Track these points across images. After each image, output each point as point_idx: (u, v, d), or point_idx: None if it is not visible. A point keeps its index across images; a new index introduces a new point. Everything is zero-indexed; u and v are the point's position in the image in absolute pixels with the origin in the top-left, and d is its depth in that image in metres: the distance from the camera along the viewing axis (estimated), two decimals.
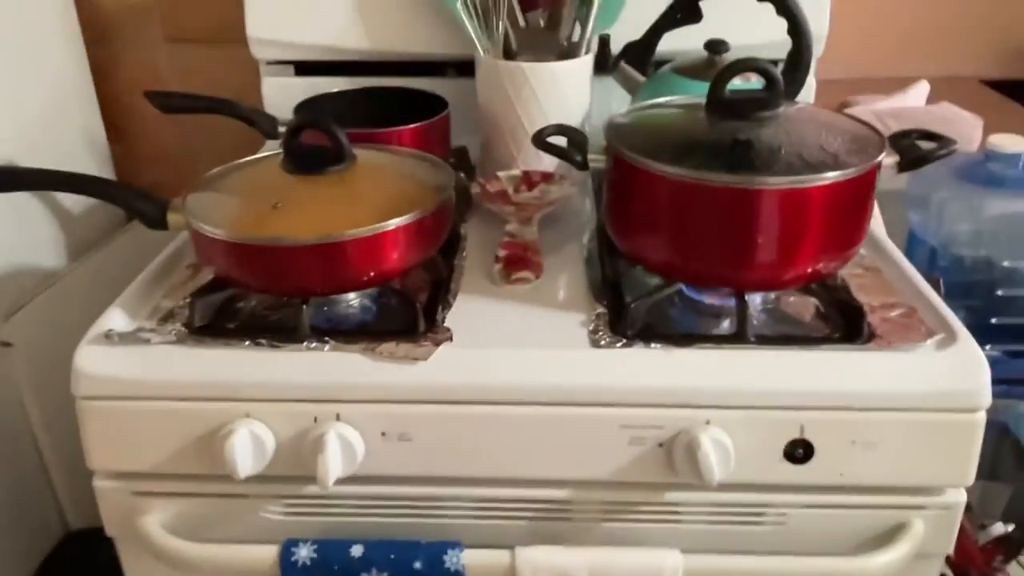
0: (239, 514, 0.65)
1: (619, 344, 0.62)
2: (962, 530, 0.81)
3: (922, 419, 0.59)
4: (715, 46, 0.83)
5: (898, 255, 0.74)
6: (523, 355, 0.61)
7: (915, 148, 0.64)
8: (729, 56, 0.82)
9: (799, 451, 0.60)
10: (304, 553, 0.61)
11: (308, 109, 0.87)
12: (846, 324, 0.65)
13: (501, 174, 0.86)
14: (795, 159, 0.60)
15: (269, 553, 0.62)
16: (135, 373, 0.61)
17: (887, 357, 0.60)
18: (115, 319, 0.65)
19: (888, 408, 0.59)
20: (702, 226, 0.62)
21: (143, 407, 0.61)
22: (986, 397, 0.59)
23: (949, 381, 0.59)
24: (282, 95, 0.97)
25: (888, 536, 0.62)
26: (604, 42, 0.93)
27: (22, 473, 0.97)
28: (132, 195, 0.67)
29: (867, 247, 0.76)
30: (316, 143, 0.68)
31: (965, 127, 1.08)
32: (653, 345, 0.62)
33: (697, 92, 0.69)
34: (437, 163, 0.73)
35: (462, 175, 0.88)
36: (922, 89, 1.19)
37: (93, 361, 0.62)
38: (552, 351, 0.62)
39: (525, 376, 0.60)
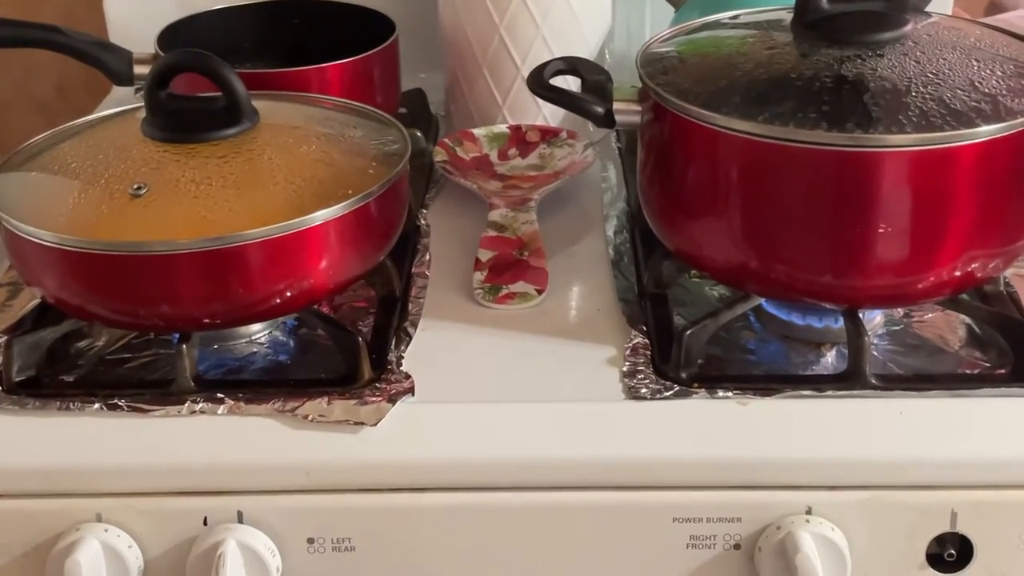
0: None
1: (668, 393, 0.63)
2: None
3: None
4: None
5: None
6: (521, 413, 0.63)
7: None
8: None
9: (950, 552, 0.61)
10: None
11: (180, 39, 0.88)
12: (1015, 353, 0.66)
13: (478, 131, 0.88)
14: (932, 106, 0.60)
15: None
16: None
17: None
18: None
19: None
20: (792, 209, 0.63)
21: None
22: None
23: None
24: (138, 17, 0.99)
25: None
26: None
27: None
28: None
29: None
30: (196, 94, 0.70)
31: None
32: (721, 394, 0.63)
33: (775, 2, 0.71)
34: (382, 119, 0.74)
35: (418, 134, 0.89)
36: None
37: None
38: (565, 406, 0.63)
39: (524, 446, 0.61)
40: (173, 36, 0.88)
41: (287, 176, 0.67)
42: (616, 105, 0.68)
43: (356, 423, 0.61)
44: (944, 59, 0.64)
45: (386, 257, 0.71)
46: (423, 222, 0.82)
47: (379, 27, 0.89)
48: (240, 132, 0.68)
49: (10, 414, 0.63)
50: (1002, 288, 0.71)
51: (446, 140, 0.88)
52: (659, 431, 0.62)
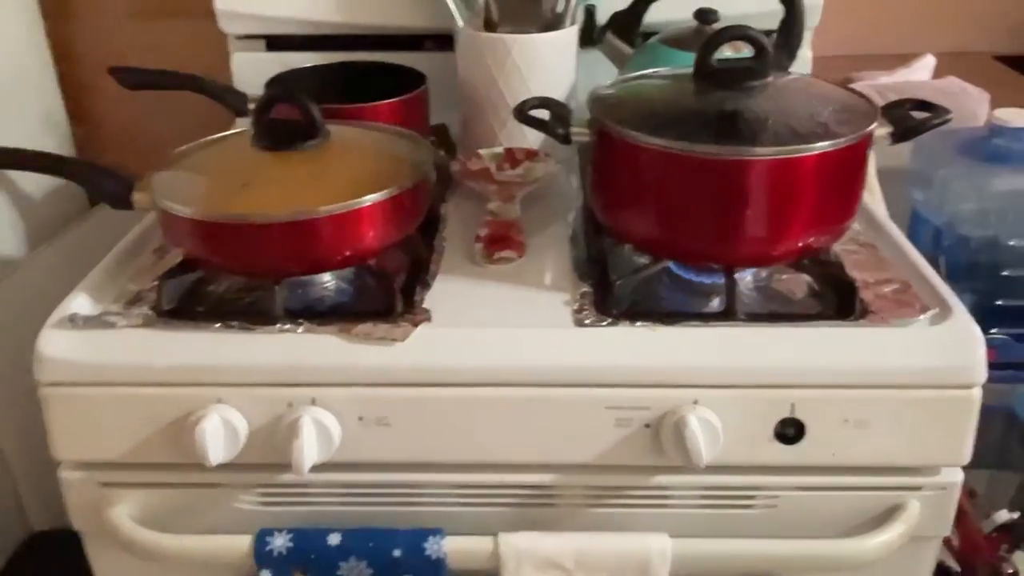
0: (211, 504, 0.67)
1: (604, 323, 0.64)
2: (967, 519, 0.84)
3: (916, 396, 0.61)
4: (705, 15, 0.85)
5: (895, 231, 0.76)
6: (505, 335, 0.63)
7: (909, 118, 0.66)
8: (720, 26, 0.84)
9: (790, 431, 0.62)
10: (280, 543, 0.63)
11: (280, 84, 0.89)
12: (838, 301, 0.67)
13: (483, 151, 0.88)
14: (784, 129, 0.62)
15: (243, 543, 0.64)
16: (100, 358, 0.63)
17: (880, 333, 0.63)
18: (79, 303, 0.67)
19: (880, 385, 0.61)
20: (688, 200, 0.64)
21: (109, 393, 0.63)
22: (981, 373, 0.61)
23: (943, 356, 0.61)
24: (253, 72, 0.99)
25: (883, 518, 0.64)
26: (590, 13, 0.95)
27: None
28: (97, 173, 0.68)
29: (863, 223, 0.78)
30: (288, 118, 0.69)
31: (970, 102, 1.10)
32: (639, 324, 0.64)
33: (687, 64, 0.71)
34: (415, 138, 0.75)
35: (442, 153, 0.90)
36: (927, 63, 1.21)
37: (56, 346, 0.63)
38: (535, 330, 0.64)
39: (507, 356, 0.62)
40: (276, 82, 0.89)
41: (347, 174, 0.67)
42: (572, 129, 0.69)
43: (391, 339, 0.62)
44: (793, 100, 0.66)
45: (416, 231, 0.72)
46: (442, 211, 0.82)
47: (414, 79, 0.89)
48: (316, 144, 0.68)
49: (161, 330, 0.64)
50: (832, 258, 0.72)
51: (460, 157, 0.88)
52: (597, 348, 0.63)
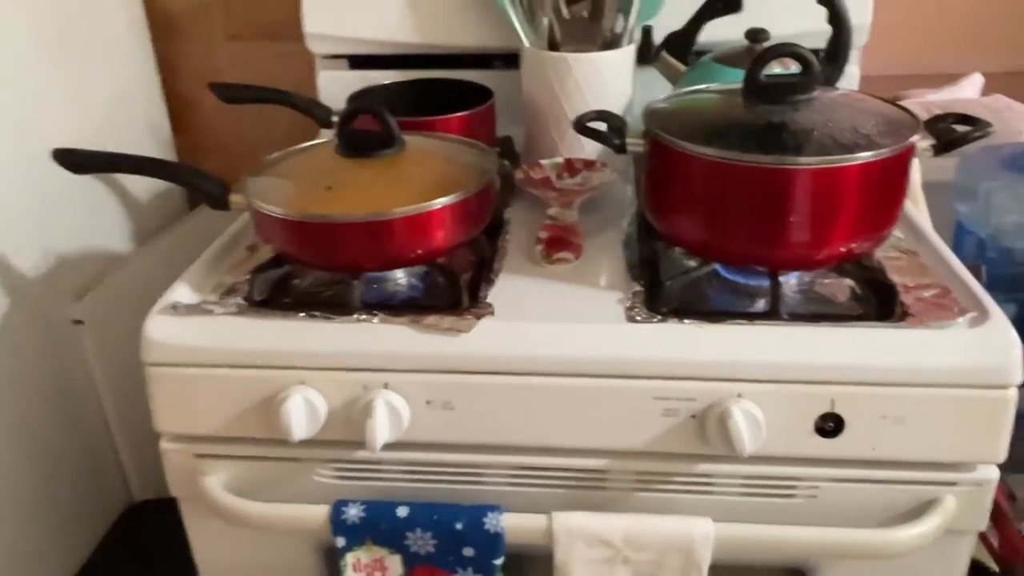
0: (293, 476, 0.69)
1: (654, 320, 0.64)
2: (1007, 521, 0.82)
3: (952, 395, 0.60)
4: (756, 35, 0.85)
5: (936, 240, 0.75)
6: (561, 329, 0.64)
7: (950, 131, 0.65)
8: (769, 45, 0.84)
9: (830, 425, 0.62)
10: (353, 513, 0.65)
11: (361, 99, 0.91)
12: (879, 303, 0.66)
13: (544, 161, 0.89)
14: (827, 140, 0.62)
15: (321, 512, 0.66)
16: (199, 341, 0.66)
17: (918, 334, 0.62)
18: (181, 293, 0.70)
19: (918, 383, 0.61)
20: (735, 206, 0.64)
21: (205, 374, 0.66)
22: (1017, 374, 0.60)
23: (979, 357, 0.60)
24: (336, 88, 1.02)
25: (919, 512, 0.64)
26: (647, 32, 0.95)
27: (90, 444, 1.04)
28: (198, 176, 0.72)
29: (905, 231, 0.77)
30: (368, 129, 0.72)
31: (1016, 119, 1.08)
32: (686, 321, 0.64)
33: (737, 80, 0.71)
34: (481, 148, 0.76)
35: (506, 163, 0.91)
36: (975, 82, 1.19)
37: (161, 330, 0.67)
38: (589, 325, 0.64)
39: (563, 348, 0.63)
40: (357, 97, 0.91)
41: (420, 179, 0.69)
42: (628, 139, 0.70)
43: (457, 330, 0.64)
44: (837, 113, 0.65)
45: (481, 234, 0.73)
46: (506, 215, 0.84)
47: (483, 95, 0.91)
48: (392, 152, 0.70)
49: (252, 318, 0.67)
50: (874, 263, 0.71)
51: (524, 166, 0.89)
52: (647, 343, 0.63)
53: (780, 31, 0.85)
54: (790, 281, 0.71)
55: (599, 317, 0.65)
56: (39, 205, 0.94)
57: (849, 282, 0.71)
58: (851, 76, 0.99)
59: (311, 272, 0.75)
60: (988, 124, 0.65)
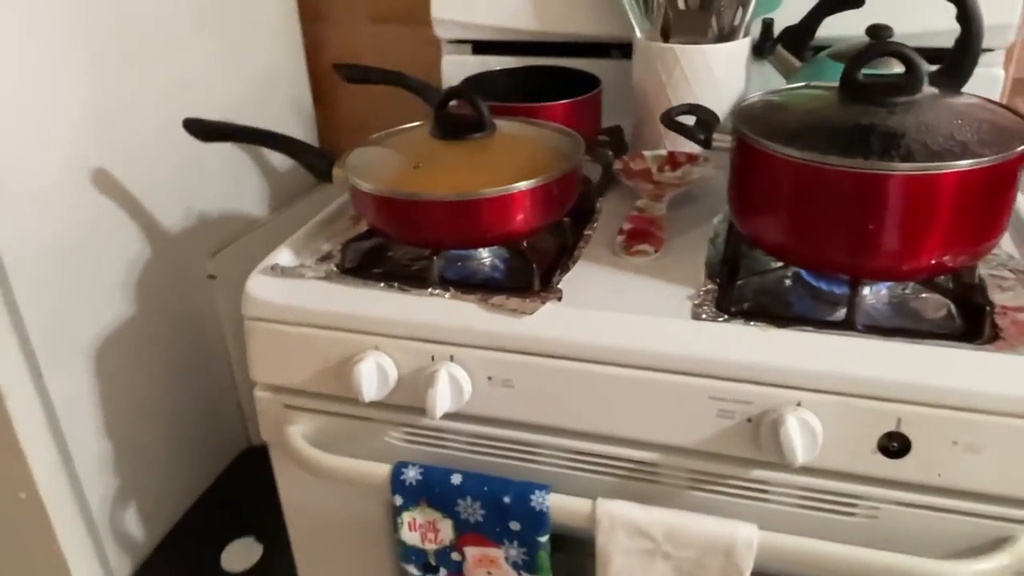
0: (367, 435, 0.74)
1: (719, 319, 0.64)
2: None
3: None
4: (877, 31, 0.79)
5: None
6: (623, 319, 0.65)
7: None
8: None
9: (894, 445, 0.59)
10: (412, 474, 0.69)
11: (474, 84, 0.94)
12: (967, 322, 0.63)
13: (647, 153, 0.89)
14: (916, 146, 0.58)
15: (383, 471, 0.70)
16: (290, 301, 0.71)
17: (1002, 359, 0.58)
18: (282, 256, 0.76)
19: (996, 412, 0.57)
20: (814, 209, 0.62)
21: (293, 331, 0.71)
22: None
23: None
24: (458, 72, 1.06)
25: (988, 547, 0.59)
26: (767, 26, 0.92)
27: (217, 390, 1.14)
28: (306, 150, 0.77)
29: (1022, 250, 0.71)
30: (463, 113, 0.74)
31: None
32: (752, 323, 0.63)
33: None
34: (571, 135, 0.77)
35: (609, 152, 0.91)
36: None
37: (259, 288, 0.73)
38: (651, 318, 0.64)
39: (622, 339, 0.64)
40: (470, 82, 0.95)
41: (506, 162, 0.71)
42: (714, 135, 0.69)
43: (520, 312, 0.65)
44: (938, 118, 0.61)
45: (570, 220, 0.73)
46: (598, 205, 0.84)
47: (592, 83, 0.92)
48: (483, 136, 0.73)
49: (337, 284, 0.71)
50: (975, 280, 0.66)
51: (624, 157, 0.89)
52: (707, 341, 0.62)
53: (905, 28, 0.79)
54: (880, 292, 0.68)
55: (664, 311, 0.65)
56: (187, 170, 1.04)
57: (947, 301, 0.67)
58: (994, 79, 0.91)
59: (403, 246, 0.79)
60: None
